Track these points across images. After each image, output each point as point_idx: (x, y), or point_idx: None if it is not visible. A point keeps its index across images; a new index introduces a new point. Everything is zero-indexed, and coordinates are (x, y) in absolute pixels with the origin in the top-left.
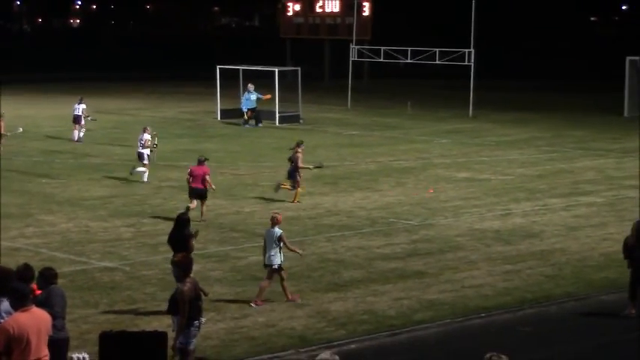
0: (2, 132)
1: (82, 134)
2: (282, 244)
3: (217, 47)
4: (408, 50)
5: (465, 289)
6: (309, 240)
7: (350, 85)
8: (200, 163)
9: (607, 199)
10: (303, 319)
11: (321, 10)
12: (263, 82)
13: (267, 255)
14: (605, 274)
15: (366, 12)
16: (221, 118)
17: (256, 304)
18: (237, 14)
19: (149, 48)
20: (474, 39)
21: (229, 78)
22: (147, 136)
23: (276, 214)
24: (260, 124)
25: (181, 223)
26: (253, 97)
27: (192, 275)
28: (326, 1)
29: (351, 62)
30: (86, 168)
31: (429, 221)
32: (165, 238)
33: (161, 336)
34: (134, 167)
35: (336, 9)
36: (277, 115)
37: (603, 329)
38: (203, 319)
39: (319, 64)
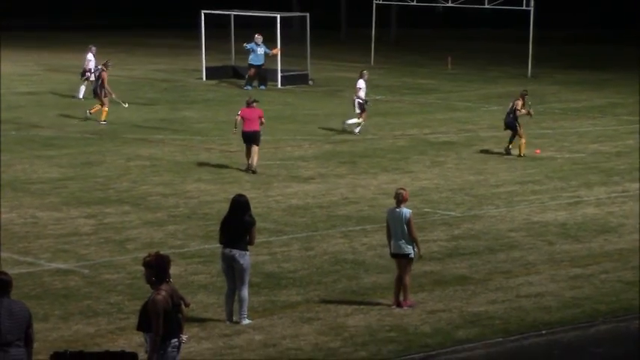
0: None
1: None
2: (407, 228)
3: None
4: None
5: (521, 298)
6: (319, 236)
7: (373, 37)
8: (249, 105)
9: None
10: (312, 336)
11: None
12: (262, 33)
13: (395, 242)
14: None
15: None
16: (207, 78)
17: (411, 305)
18: None
19: None
20: None
21: (217, 27)
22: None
23: (402, 190)
24: (264, 87)
25: (240, 206)
26: (261, 50)
27: (170, 280)
28: None
29: (374, 6)
30: (33, 142)
31: (475, 212)
32: (135, 232)
33: (130, 358)
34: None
35: None
36: (279, 75)
37: None
38: (184, 337)
39: (334, 9)
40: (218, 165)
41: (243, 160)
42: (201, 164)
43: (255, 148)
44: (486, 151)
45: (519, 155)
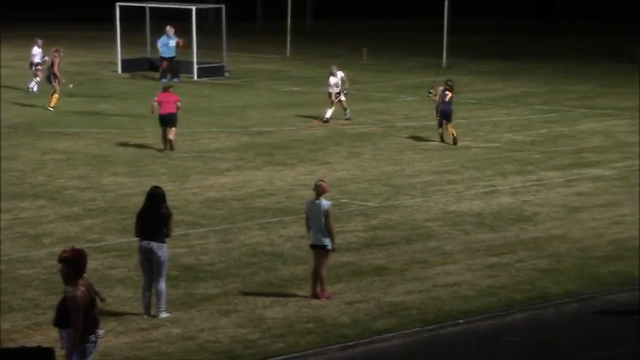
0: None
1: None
2: (324, 220)
3: None
4: None
5: (438, 288)
6: (236, 228)
7: (289, 28)
8: (165, 90)
9: (618, 171)
10: (231, 328)
11: None
12: (177, 25)
13: (313, 233)
14: (615, 267)
15: None
16: (122, 71)
17: (328, 296)
18: None
19: None
20: None
21: (132, 19)
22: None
23: (321, 182)
24: (177, 79)
25: (156, 198)
26: (172, 42)
27: (85, 275)
28: None
29: None
30: None
31: (392, 202)
32: (51, 226)
33: (47, 353)
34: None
35: None
36: (195, 67)
37: (614, 337)
38: (100, 332)
39: (249, 1)
40: (134, 158)
41: (159, 153)
42: (117, 157)
43: (172, 129)
44: (401, 142)
45: (454, 143)
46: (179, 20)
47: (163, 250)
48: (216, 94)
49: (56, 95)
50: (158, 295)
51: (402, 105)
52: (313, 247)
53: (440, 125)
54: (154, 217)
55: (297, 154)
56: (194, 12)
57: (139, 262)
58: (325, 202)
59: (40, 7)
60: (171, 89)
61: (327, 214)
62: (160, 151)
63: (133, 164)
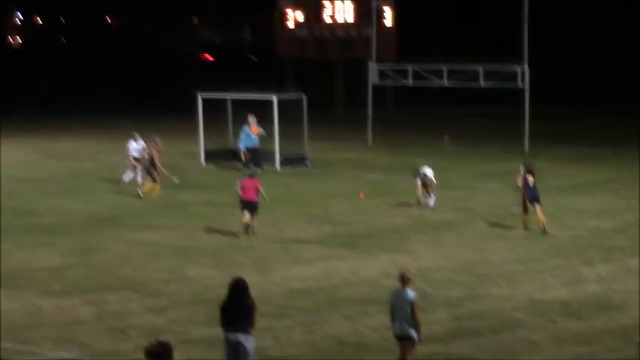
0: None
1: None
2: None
3: (197, 69)
4: (443, 70)
5: None
6: (321, 319)
7: (370, 116)
8: (251, 177)
9: None
10: None
11: (330, 21)
12: (258, 114)
13: (399, 324)
14: None
15: (388, 22)
16: (205, 161)
17: None
18: (222, 25)
19: (109, 71)
20: (527, 54)
21: (214, 109)
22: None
23: (407, 272)
24: (260, 169)
25: (239, 290)
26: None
27: None
28: (336, 8)
29: (370, 86)
30: (33, 230)
31: (477, 291)
32: (137, 319)
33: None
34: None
35: (350, 18)
36: (277, 157)
37: None
38: None
39: (329, 90)
40: (219, 249)
41: (244, 243)
42: (201, 248)
43: (254, 215)
44: (484, 230)
45: (544, 232)
46: (261, 109)
47: (250, 342)
48: (299, 183)
49: (157, 185)
50: None
51: (484, 192)
52: (399, 337)
53: (525, 211)
54: (238, 308)
55: (380, 243)
56: (275, 101)
57: (225, 354)
58: (411, 293)
59: (123, 98)
60: (255, 176)
61: (413, 304)
62: (244, 232)
63: (217, 255)
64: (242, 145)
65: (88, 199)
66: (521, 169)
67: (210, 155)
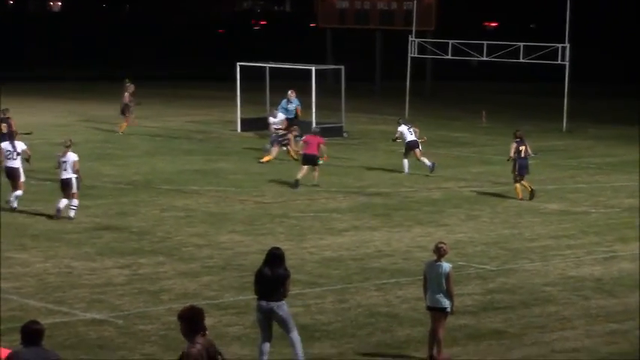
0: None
1: None
2: (445, 282)
3: (237, 39)
4: (483, 45)
5: (556, 353)
6: (353, 288)
7: (408, 89)
8: (315, 133)
9: None
10: None
11: None
12: (296, 85)
13: (432, 295)
14: None
15: None
16: (242, 129)
17: (445, 359)
18: None
19: (149, 39)
20: (569, 32)
21: (253, 79)
22: None
23: (443, 244)
24: (299, 139)
25: (275, 259)
26: (292, 106)
27: (206, 333)
28: None
29: (409, 59)
30: None
31: (510, 266)
32: (169, 282)
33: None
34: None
35: None
36: (314, 127)
37: None
38: None
39: (369, 62)
40: (252, 216)
41: (277, 212)
42: (235, 215)
43: (315, 168)
44: (520, 205)
45: (531, 198)
46: (299, 80)
47: (283, 308)
48: (335, 154)
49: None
50: (294, 345)
51: None
52: (431, 309)
53: (516, 181)
54: (272, 276)
55: (414, 215)
56: (314, 72)
57: (257, 320)
58: (446, 265)
59: (162, 65)
60: (318, 133)
61: (448, 276)
62: (292, 186)
63: (250, 222)
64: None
65: (122, 164)
66: (514, 140)
67: (247, 123)
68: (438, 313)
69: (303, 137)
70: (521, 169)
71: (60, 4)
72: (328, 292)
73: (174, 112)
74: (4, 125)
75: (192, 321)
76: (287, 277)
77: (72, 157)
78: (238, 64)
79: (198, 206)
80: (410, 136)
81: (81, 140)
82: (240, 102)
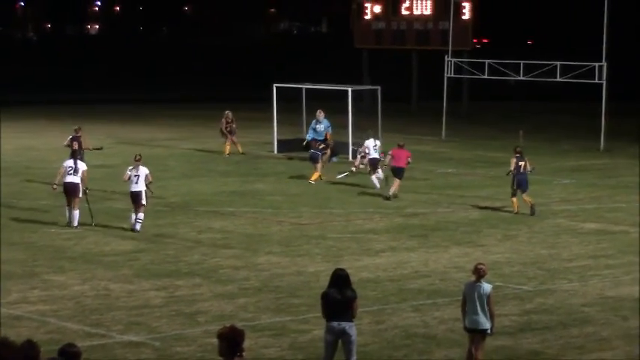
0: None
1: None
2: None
3: (274, 60)
4: (520, 64)
5: None
6: (390, 309)
7: (445, 109)
8: (401, 147)
9: None
10: None
11: (407, 13)
12: (333, 105)
13: (471, 317)
14: None
15: (466, 15)
16: (278, 151)
17: None
18: (299, 17)
19: (186, 61)
20: (605, 50)
21: (289, 100)
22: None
23: (482, 265)
24: (334, 159)
25: (341, 280)
26: (321, 127)
27: (243, 355)
28: (414, 1)
29: (446, 79)
30: (106, 214)
31: (547, 286)
32: (206, 304)
33: None
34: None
35: (428, 11)
36: (351, 148)
37: None
38: None
39: (406, 82)
40: (289, 238)
41: (314, 233)
42: (272, 237)
43: (397, 181)
44: (557, 225)
45: (532, 213)
46: (336, 100)
47: (354, 330)
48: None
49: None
50: None
51: (557, 188)
52: (470, 330)
53: (514, 195)
54: (342, 298)
55: (451, 236)
56: (350, 93)
57: (326, 342)
58: (487, 285)
59: (198, 88)
60: (404, 146)
61: (489, 297)
62: (386, 198)
63: (287, 244)
64: (309, 137)
65: (160, 186)
66: (514, 155)
67: (283, 144)
68: (477, 334)
69: (390, 151)
70: (520, 184)
71: (97, 27)
72: (365, 314)
73: (211, 133)
74: (75, 143)
75: (232, 341)
76: (355, 298)
77: (143, 170)
78: (275, 85)
79: (235, 228)
80: (374, 153)
81: (119, 162)
82: (277, 123)
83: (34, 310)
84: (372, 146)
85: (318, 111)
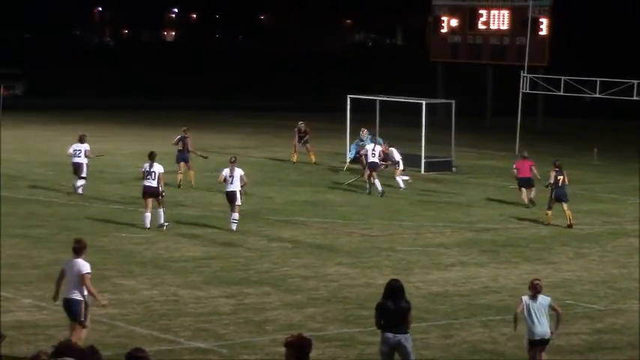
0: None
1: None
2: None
3: (348, 71)
4: (596, 81)
5: None
6: (458, 324)
7: (519, 125)
8: (524, 158)
9: None
10: None
11: (484, 27)
12: (406, 118)
13: (537, 329)
14: None
15: (544, 31)
16: (351, 162)
17: None
18: (374, 29)
19: (261, 70)
20: None
21: (363, 111)
22: None
23: (538, 281)
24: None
25: (396, 291)
26: (366, 144)
27: None
28: (491, 16)
29: (521, 95)
30: (177, 220)
31: (618, 306)
32: (274, 313)
33: None
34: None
35: (504, 26)
36: (423, 161)
37: None
38: None
39: (480, 97)
40: (359, 249)
41: (384, 245)
42: (342, 247)
43: (531, 189)
44: (630, 244)
45: (569, 227)
46: (409, 113)
47: (410, 341)
48: (443, 188)
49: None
50: None
51: (631, 207)
52: (540, 342)
53: (550, 208)
54: (397, 309)
55: (522, 252)
56: (424, 106)
57: (381, 353)
58: (546, 296)
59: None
60: (527, 157)
61: (552, 304)
62: (526, 206)
63: (357, 255)
64: (351, 155)
65: None
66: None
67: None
68: (543, 345)
69: (515, 164)
70: (559, 197)
71: (173, 34)
72: (433, 327)
73: (283, 142)
74: (181, 144)
75: (300, 350)
76: (410, 309)
77: (238, 171)
78: (349, 96)
79: (305, 237)
80: (372, 157)
81: (194, 168)
82: (350, 134)
83: (102, 313)
84: (370, 150)
85: (362, 129)
